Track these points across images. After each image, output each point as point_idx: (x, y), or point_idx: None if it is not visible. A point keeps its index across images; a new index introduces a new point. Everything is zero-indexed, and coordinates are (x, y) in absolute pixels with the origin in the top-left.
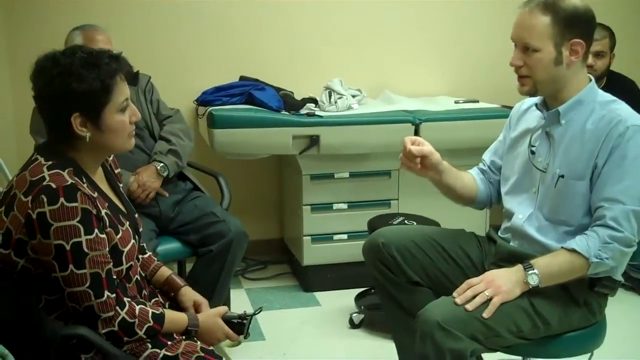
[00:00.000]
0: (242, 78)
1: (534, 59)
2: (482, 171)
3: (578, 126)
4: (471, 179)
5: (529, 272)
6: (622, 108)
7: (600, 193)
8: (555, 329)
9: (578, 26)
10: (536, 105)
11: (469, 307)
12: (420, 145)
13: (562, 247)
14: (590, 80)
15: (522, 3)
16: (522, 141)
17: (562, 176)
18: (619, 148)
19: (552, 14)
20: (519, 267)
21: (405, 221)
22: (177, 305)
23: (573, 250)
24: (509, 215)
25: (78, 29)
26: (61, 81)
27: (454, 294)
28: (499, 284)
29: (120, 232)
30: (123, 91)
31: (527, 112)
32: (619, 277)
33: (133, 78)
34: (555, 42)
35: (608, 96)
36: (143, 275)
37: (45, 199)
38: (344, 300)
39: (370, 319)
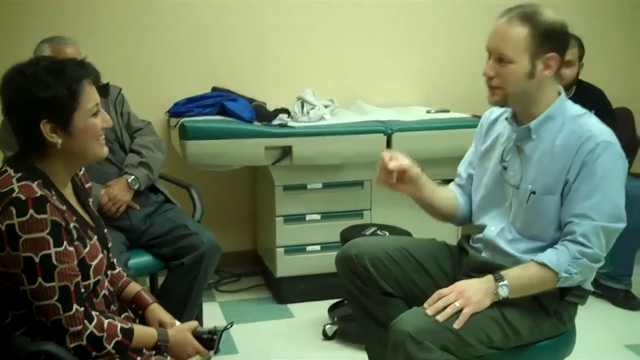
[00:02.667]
0: (214, 89)
1: (507, 70)
2: (460, 186)
3: (549, 141)
4: (451, 194)
5: (500, 283)
6: (592, 122)
7: (570, 209)
8: (526, 338)
9: (554, 40)
10: (507, 118)
11: (440, 318)
12: (398, 159)
13: (532, 260)
14: (560, 93)
15: (501, 12)
16: (492, 153)
17: (534, 192)
18: (589, 164)
19: (531, 26)
20: (489, 278)
21: (378, 231)
22: (145, 323)
23: (543, 264)
24: (481, 228)
25: (46, 41)
26: (27, 90)
27: (425, 304)
28: (469, 295)
29: (88, 245)
30: (91, 96)
31: (496, 122)
32: (588, 286)
33: (104, 90)
34: (531, 55)
35: (578, 109)
36: (111, 290)
37: (14, 211)
38: (317, 311)
39: (344, 330)
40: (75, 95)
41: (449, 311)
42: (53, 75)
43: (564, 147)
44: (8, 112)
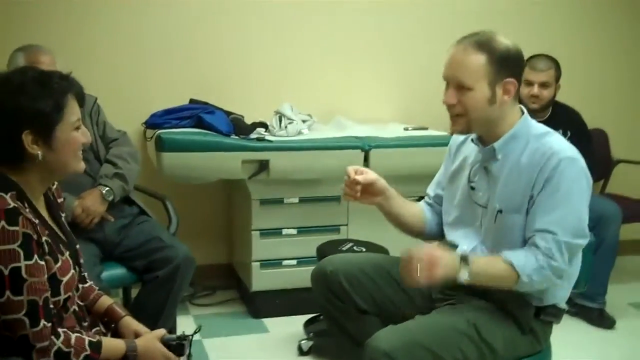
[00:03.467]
0: (191, 101)
1: (468, 97)
2: (429, 204)
3: (514, 160)
4: (419, 209)
5: (463, 270)
6: (555, 140)
7: (533, 224)
8: (501, 356)
9: (511, 65)
10: (472, 140)
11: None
12: (364, 173)
13: (502, 256)
14: (523, 113)
15: (456, 41)
16: (461, 174)
17: (500, 211)
18: (552, 180)
19: (487, 53)
20: (455, 258)
21: (354, 247)
22: (119, 336)
23: (510, 263)
24: (453, 246)
25: (21, 50)
26: (12, 99)
27: (402, 262)
28: (437, 267)
29: (60, 261)
30: (75, 110)
31: (464, 143)
32: (563, 305)
33: (82, 101)
34: (490, 81)
35: (542, 128)
36: (82, 305)
37: None
38: (292, 326)
39: (319, 346)
40: (60, 108)
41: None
42: (40, 86)
43: (528, 164)
44: None
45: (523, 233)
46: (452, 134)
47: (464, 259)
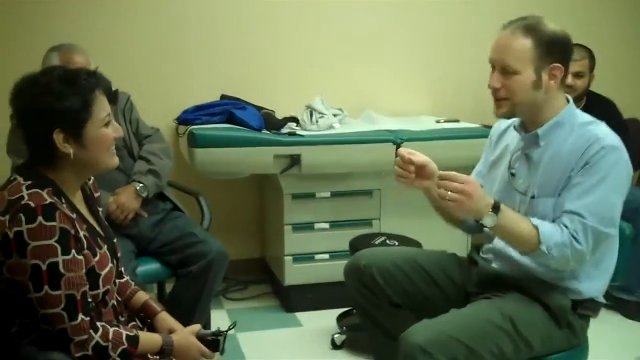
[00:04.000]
0: (223, 97)
1: (513, 81)
2: None
3: (556, 148)
4: None
5: (490, 213)
6: (601, 128)
7: (565, 204)
8: (537, 351)
9: (558, 51)
10: (514, 126)
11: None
12: (417, 155)
13: (530, 220)
14: (568, 101)
15: (502, 25)
16: (501, 162)
17: (533, 196)
18: (590, 164)
19: (534, 38)
20: (489, 202)
21: (387, 241)
22: (155, 332)
23: (536, 228)
24: (491, 236)
25: (55, 49)
26: (41, 100)
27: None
28: (471, 198)
29: (98, 255)
30: (104, 106)
31: (506, 132)
32: (601, 299)
33: (112, 96)
34: (536, 66)
35: (587, 117)
36: (119, 299)
37: (23, 218)
38: (325, 320)
39: (352, 340)
40: (88, 106)
41: (442, 193)
42: (67, 85)
43: (570, 150)
44: (20, 121)
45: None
46: (497, 116)
47: (496, 207)
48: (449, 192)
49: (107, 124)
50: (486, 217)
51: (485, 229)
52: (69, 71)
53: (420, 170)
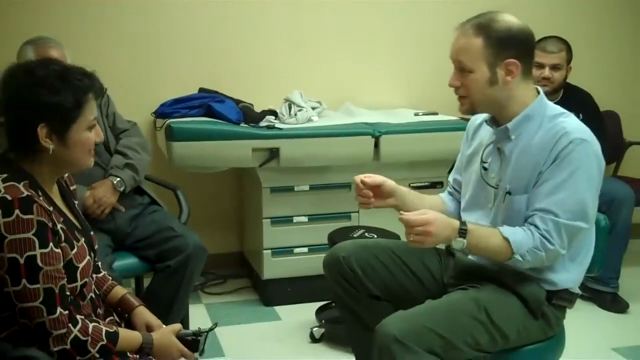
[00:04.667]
0: (201, 90)
1: (469, 79)
2: (451, 193)
3: (527, 141)
4: (439, 201)
5: (459, 238)
6: (570, 121)
7: (536, 202)
8: (513, 342)
9: (512, 46)
10: (486, 121)
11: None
12: (370, 177)
13: (499, 230)
14: (539, 93)
15: (458, 24)
16: (477, 157)
17: (509, 192)
18: (559, 159)
19: (485, 36)
20: (455, 227)
21: (366, 234)
22: (132, 327)
23: (507, 239)
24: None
25: (30, 43)
26: (33, 91)
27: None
28: (431, 231)
29: (76, 247)
30: (93, 110)
31: (481, 126)
32: (576, 289)
33: (98, 92)
34: (489, 63)
35: (557, 109)
36: (98, 293)
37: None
38: (304, 314)
39: (331, 333)
40: (79, 106)
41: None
42: (62, 82)
43: (540, 145)
44: (7, 109)
45: None
46: (461, 112)
47: (462, 230)
48: (412, 235)
49: (91, 128)
50: (455, 242)
51: (455, 248)
52: (66, 68)
53: (377, 190)
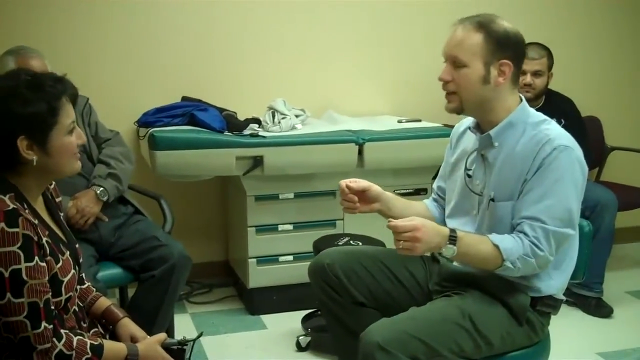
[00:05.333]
0: (184, 98)
1: (461, 74)
2: (435, 200)
3: (509, 148)
4: (424, 207)
5: (449, 245)
6: (552, 128)
7: (523, 210)
8: (497, 348)
9: (508, 48)
10: (469, 128)
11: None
12: (356, 182)
13: (489, 238)
14: (522, 100)
15: (457, 20)
16: (461, 164)
17: (493, 199)
18: (544, 167)
19: (485, 33)
20: (445, 234)
21: (351, 241)
22: (116, 338)
23: (497, 246)
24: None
25: (10, 53)
26: (6, 104)
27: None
28: (420, 238)
29: (61, 261)
30: (69, 113)
31: (465, 134)
32: (560, 296)
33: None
34: (485, 61)
35: (539, 116)
36: (81, 305)
37: None
38: (290, 322)
39: (317, 342)
40: (54, 112)
41: (395, 243)
42: (33, 91)
43: (523, 152)
44: None
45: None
46: (447, 110)
47: (452, 238)
48: (401, 242)
49: (71, 131)
50: (445, 250)
51: (445, 255)
52: (36, 76)
53: (363, 195)
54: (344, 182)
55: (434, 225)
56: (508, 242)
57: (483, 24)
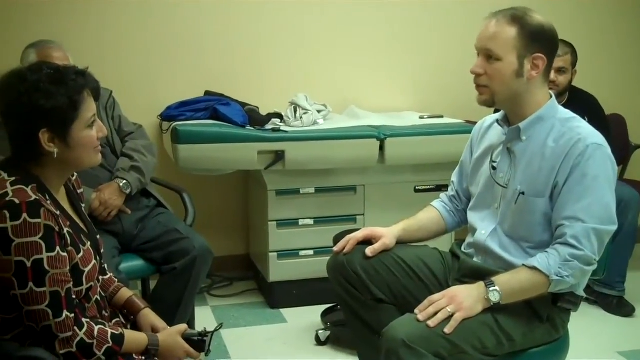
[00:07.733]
0: (207, 93)
1: (495, 68)
2: (450, 198)
3: (539, 142)
4: (436, 218)
5: (490, 288)
6: (582, 126)
7: (561, 212)
8: (519, 345)
9: (542, 42)
10: (497, 121)
11: (431, 323)
12: (378, 239)
13: (523, 265)
14: (551, 96)
15: (489, 14)
16: (486, 158)
17: (523, 193)
18: (579, 167)
19: (519, 27)
20: (480, 284)
21: None
22: (137, 328)
23: (534, 268)
24: (473, 230)
25: (33, 46)
26: (29, 98)
27: (416, 310)
28: (461, 300)
29: (82, 251)
30: (90, 107)
31: (490, 129)
32: (581, 292)
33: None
34: (519, 54)
35: (568, 113)
36: (104, 295)
37: (7, 215)
38: (310, 316)
39: (337, 336)
40: (76, 106)
41: (440, 316)
42: (55, 84)
43: (553, 149)
44: (6, 117)
45: (543, 217)
46: (478, 103)
47: (488, 284)
48: (438, 315)
49: (91, 125)
50: (490, 295)
51: (494, 301)
52: (58, 69)
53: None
54: (360, 236)
55: (463, 286)
56: (541, 258)
57: (517, 18)
